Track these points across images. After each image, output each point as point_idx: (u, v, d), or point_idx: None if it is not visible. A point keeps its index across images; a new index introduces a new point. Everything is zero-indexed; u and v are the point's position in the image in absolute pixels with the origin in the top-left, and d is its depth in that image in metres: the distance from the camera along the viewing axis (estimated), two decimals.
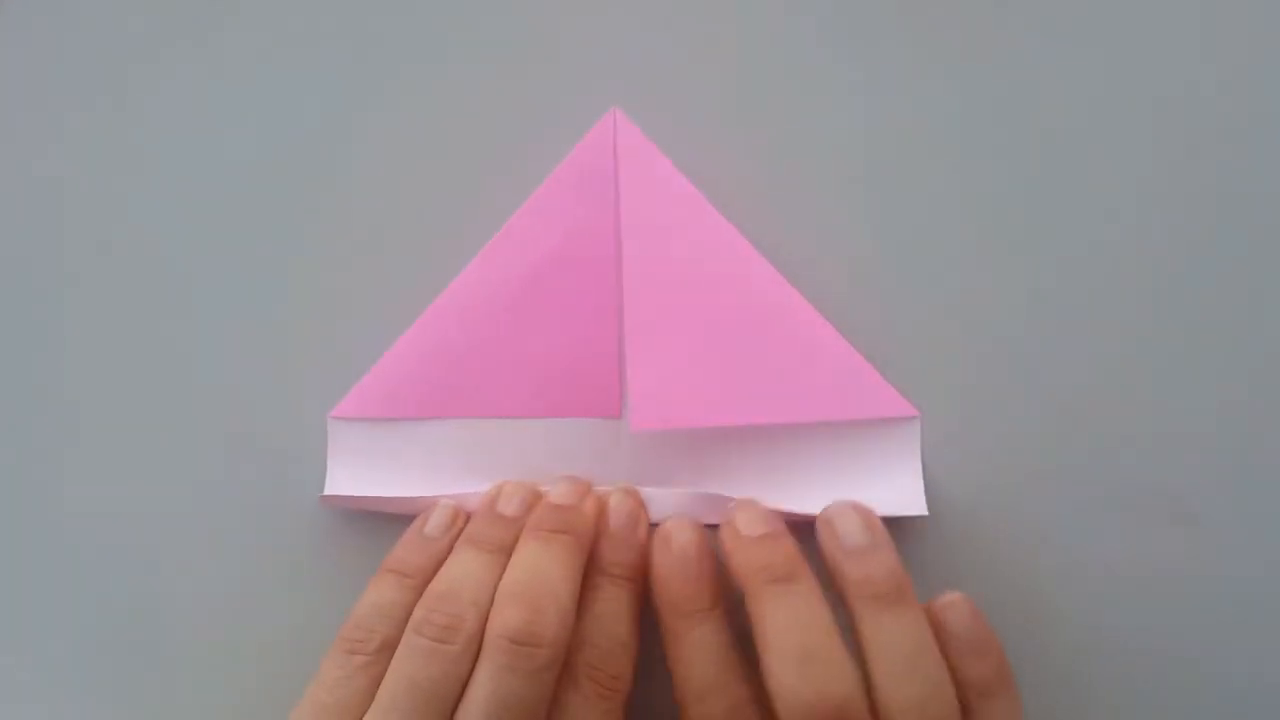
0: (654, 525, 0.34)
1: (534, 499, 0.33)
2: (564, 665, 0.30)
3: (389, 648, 0.30)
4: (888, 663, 0.29)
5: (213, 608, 0.35)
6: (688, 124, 0.34)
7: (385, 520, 0.34)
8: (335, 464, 0.34)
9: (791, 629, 0.29)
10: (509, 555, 0.31)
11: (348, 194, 0.35)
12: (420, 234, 0.35)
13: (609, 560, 0.32)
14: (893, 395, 0.34)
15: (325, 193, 0.35)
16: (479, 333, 0.34)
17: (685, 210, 0.34)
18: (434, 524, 0.33)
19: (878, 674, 0.29)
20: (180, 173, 0.35)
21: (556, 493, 0.33)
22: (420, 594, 0.31)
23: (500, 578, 0.30)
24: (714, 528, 0.32)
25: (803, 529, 0.32)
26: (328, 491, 0.34)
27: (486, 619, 0.30)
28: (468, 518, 0.33)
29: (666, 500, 0.34)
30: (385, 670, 0.30)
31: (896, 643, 0.29)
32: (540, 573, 0.30)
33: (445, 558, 0.32)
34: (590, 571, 0.32)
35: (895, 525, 0.32)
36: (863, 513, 0.31)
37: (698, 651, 0.30)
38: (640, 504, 0.33)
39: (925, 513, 0.34)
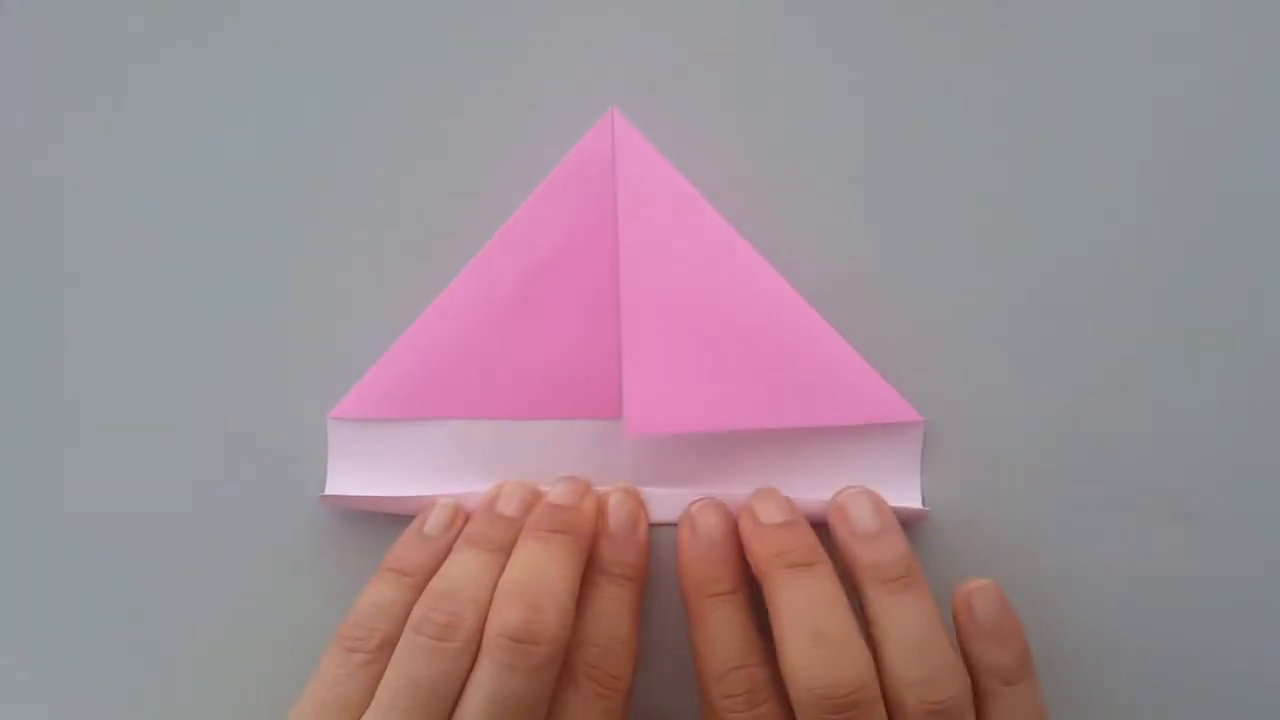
0: (653, 525, 0.34)
1: (533, 499, 0.33)
2: (564, 664, 0.30)
3: (389, 645, 0.30)
4: (897, 644, 0.29)
5: (213, 608, 0.35)
6: (687, 124, 0.34)
7: (385, 520, 0.34)
8: (335, 464, 0.34)
9: (807, 613, 0.29)
10: (508, 555, 0.31)
11: (348, 194, 0.35)
12: (420, 234, 0.35)
13: (609, 560, 0.32)
14: (896, 399, 0.33)
15: (325, 193, 0.35)
16: (478, 333, 0.34)
17: (684, 211, 0.34)
18: (433, 523, 0.33)
19: (887, 655, 0.29)
20: (180, 173, 0.35)
21: (556, 493, 0.33)
22: (420, 592, 0.31)
23: (500, 577, 0.31)
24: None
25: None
26: (328, 492, 0.34)
27: (486, 618, 0.30)
28: (467, 517, 0.33)
29: (666, 500, 0.34)
30: (385, 668, 0.30)
31: (906, 624, 0.30)
32: (539, 572, 0.30)
33: (445, 557, 0.32)
34: (590, 571, 0.32)
35: None
36: (874, 498, 0.32)
37: (721, 631, 0.31)
38: (640, 504, 0.33)
39: (925, 513, 0.34)
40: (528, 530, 0.32)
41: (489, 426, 0.34)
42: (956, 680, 0.29)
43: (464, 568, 0.31)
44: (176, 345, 0.35)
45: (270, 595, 0.35)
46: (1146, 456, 0.34)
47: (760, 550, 0.31)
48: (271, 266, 0.35)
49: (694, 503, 0.33)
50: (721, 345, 0.33)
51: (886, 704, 0.29)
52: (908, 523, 0.33)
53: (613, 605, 0.32)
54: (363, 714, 0.29)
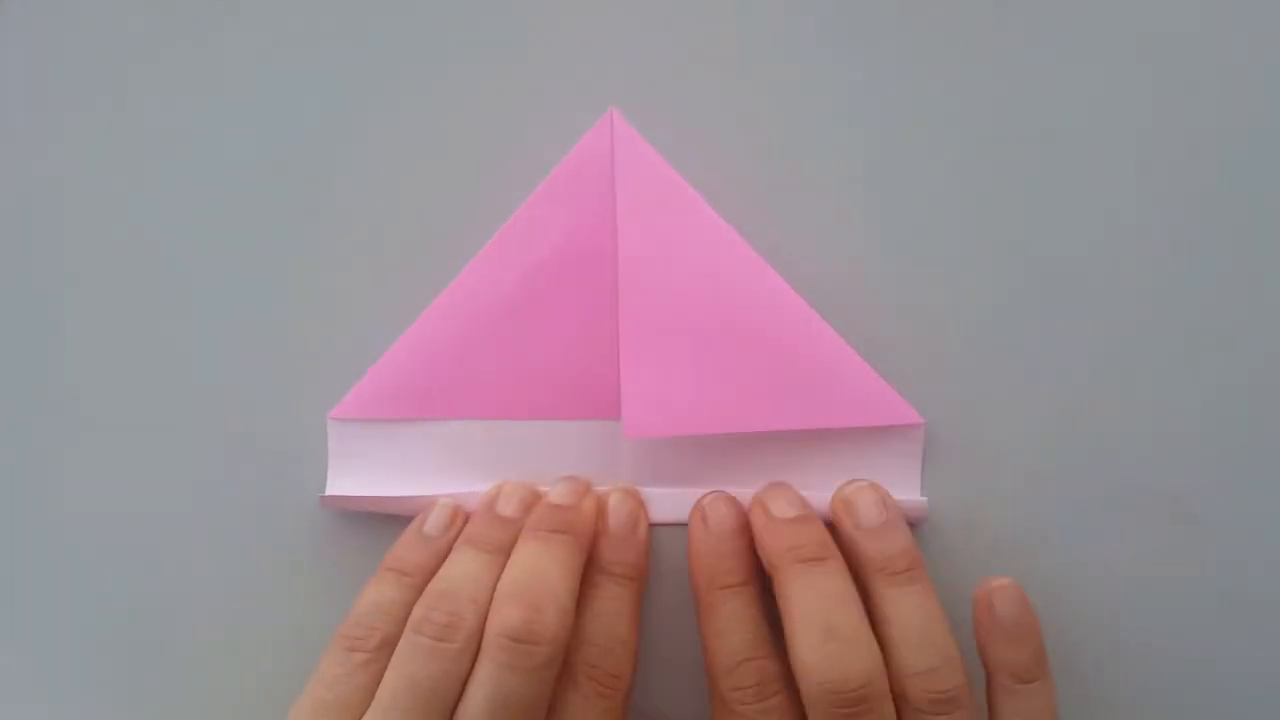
0: (653, 525, 0.34)
1: (533, 499, 0.33)
2: (564, 664, 0.30)
3: (389, 645, 0.30)
4: (902, 635, 0.30)
5: (213, 608, 0.35)
6: (687, 124, 0.34)
7: (385, 520, 0.34)
8: (335, 464, 0.34)
9: (819, 607, 0.30)
10: (508, 555, 0.31)
11: (348, 194, 0.35)
12: (419, 234, 0.35)
13: (609, 559, 0.32)
14: (898, 401, 0.33)
15: (325, 193, 0.35)
16: (478, 333, 0.34)
17: (683, 211, 0.34)
18: (433, 523, 0.33)
19: (892, 646, 0.30)
20: (180, 173, 0.35)
21: (556, 493, 0.33)
22: (420, 592, 0.31)
23: (499, 577, 0.31)
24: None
25: None
26: (328, 492, 0.34)
27: (486, 618, 0.30)
28: (467, 517, 0.33)
29: (666, 500, 0.34)
30: (385, 668, 0.30)
31: (910, 616, 0.30)
32: (539, 572, 0.30)
33: (445, 557, 0.32)
34: (590, 570, 0.32)
35: None
36: (879, 492, 0.32)
37: (731, 624, 0.31)
38: (640, 503, 0.33)
39: (925, 513, 0.34)
40: (527, 530, 0.32)
41: (489, 427, 0.34)
42: (958, 672, 0.30)
43: (464, 568, 0.31)
44: (176, 345, 0.35)
45: (270, 595, 0.35)
46: (1146, 456, 0.34)
47: (772, 544, 0.31)
48: (271, 266, 0.35)
49: (705, 495, 0.33)
50: (721, 346, 0.33)
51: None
52: (908, 523, 0.33)
53: (613, 605, 0.32)
54: (363, 714, 0.29)
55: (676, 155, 0.34)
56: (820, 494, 0.33)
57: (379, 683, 0.29)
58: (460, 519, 0.33)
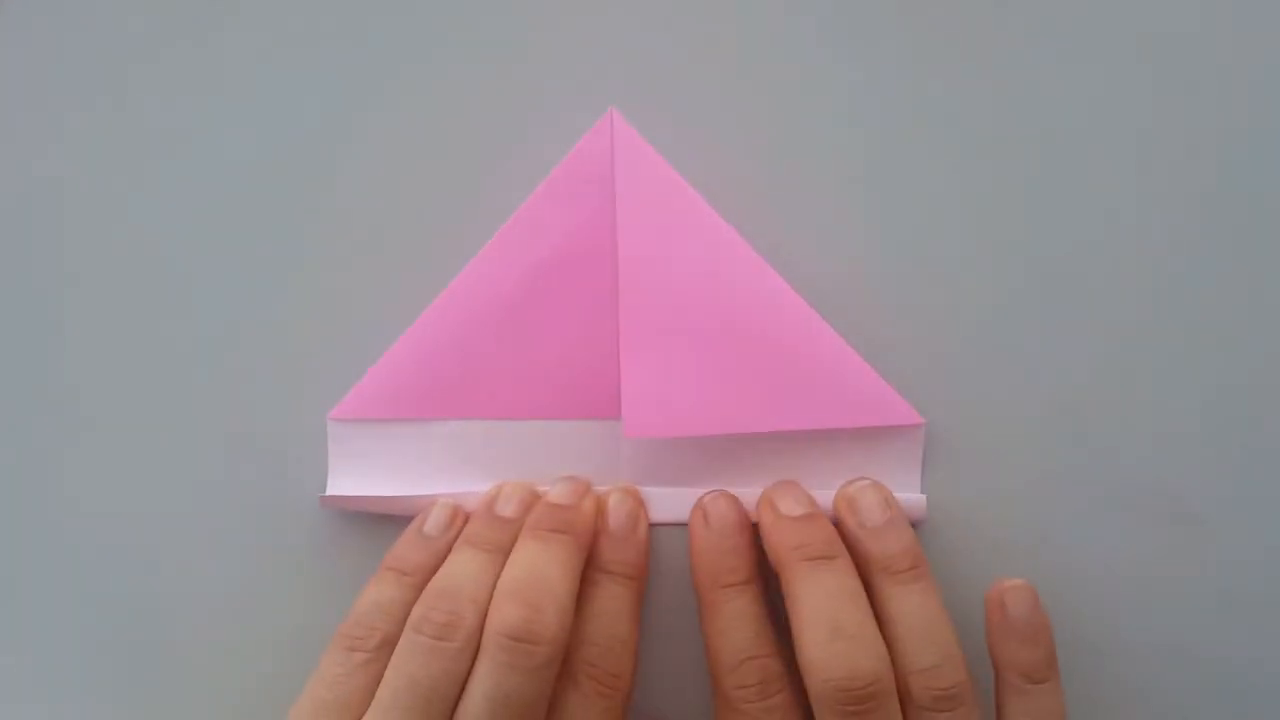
0: (653, 525, 0.34)
1: (532, 500, 0.33)
2: (564, 664, 0.30)
3: (389, 645, 0.30)
4: (905, 632, 0.30)
5: (213, 608, 0.35)
6: (687, 124, 0.34)
7: (385, 520, 0.34)
8: (335, 464, 0.34)
9: (826, 606, 0.30)
10: (508, 555, 0.31)
11: (348, 194, 0.35)
12: (419, 234, 0.35)
13: (609, 559, 0.32)
14: (898, 402, 0.33)
15: (325, 193, 0.35)
16: (478, 333, 0.34)
17: (683, 211, 0.34)
18: (433, 522, 0.33)
19: (895, 644, 0.30)
20: (180, 173, 0.35)
21: (555, 492, 0.33)
22: (420, 592, 0.31)
23: (499, 577, 0.31)
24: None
25: None
26: (328, 492, 0.34)
27: (485, 617, 0.30)
28: (467, 517, 0.33)
29: (666, 500, 0.34)
30: (385, 667, 0.30)
31: (914, 613, 0.30)
32: (539, 571, 0.30)
33: (445, 556, 0.32)
34: (590, 570, 0.32)
35: None
36: (882, 491, 0.33)
37: (734, 622, 0.31)
38: (640, 503, 0.33)
39: (924, 513, 0.34)
40: (527, 530, 0.32)
41: (489, 427, 0.34)
42: (961, 669, 0.30)
43: (463, 568, 0.31)
44: (176, 345, 0.35)
45: (270, 595, 0.35)
46: (1146, 456, 0.34)
47: (779, 542, 0.31)
48: (271, 266, 0.35)
49: (706, 494, 0.33)
50: (721, 346, 0.33)
51: None
52: None
53: (613, 604, 0.32)
54: (363, 713, 0.29)
55: (676, 155, 0.34)
56: (820, 494, 0.33)
57: (379, 682, 0.30)
58: (460, 519, 0.33)
